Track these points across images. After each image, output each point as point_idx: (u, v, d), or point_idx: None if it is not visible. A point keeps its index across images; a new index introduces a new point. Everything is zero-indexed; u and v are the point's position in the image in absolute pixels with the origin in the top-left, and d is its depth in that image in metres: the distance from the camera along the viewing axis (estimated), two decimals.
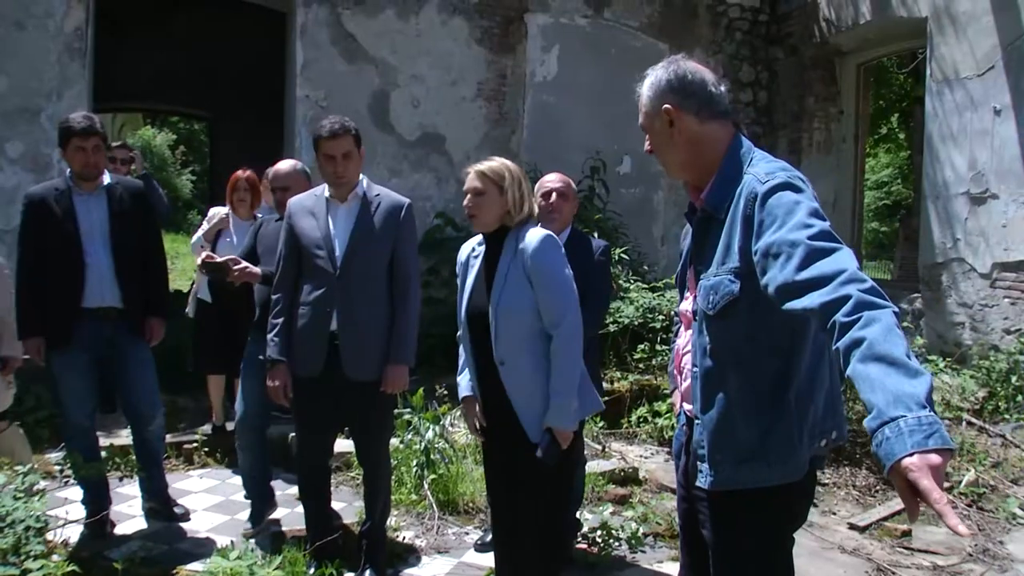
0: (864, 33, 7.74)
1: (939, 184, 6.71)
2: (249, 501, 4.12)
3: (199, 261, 3.80)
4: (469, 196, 2.82)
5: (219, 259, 3.67)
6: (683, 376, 2.08)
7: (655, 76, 2.01)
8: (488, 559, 3.64)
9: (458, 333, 2.95)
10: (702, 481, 1.96)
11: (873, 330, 1.41)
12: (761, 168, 1.86)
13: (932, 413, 1.31)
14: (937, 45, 6.69)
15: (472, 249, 2.94)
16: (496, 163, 2.84)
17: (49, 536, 3.19)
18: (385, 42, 7.23)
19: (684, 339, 2.09)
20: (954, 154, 6.58)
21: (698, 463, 1.96)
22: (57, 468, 4.33)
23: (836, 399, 1.96)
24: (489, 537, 3.61)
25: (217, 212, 5.26)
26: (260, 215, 4.83)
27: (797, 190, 1.76)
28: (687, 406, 2.07)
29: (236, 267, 3.63)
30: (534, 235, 2.74)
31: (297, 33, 6.99)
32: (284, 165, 4.05)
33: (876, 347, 1.39)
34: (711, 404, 1.91)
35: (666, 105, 1.96)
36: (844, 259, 1.56)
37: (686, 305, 2.08)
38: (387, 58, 7.24)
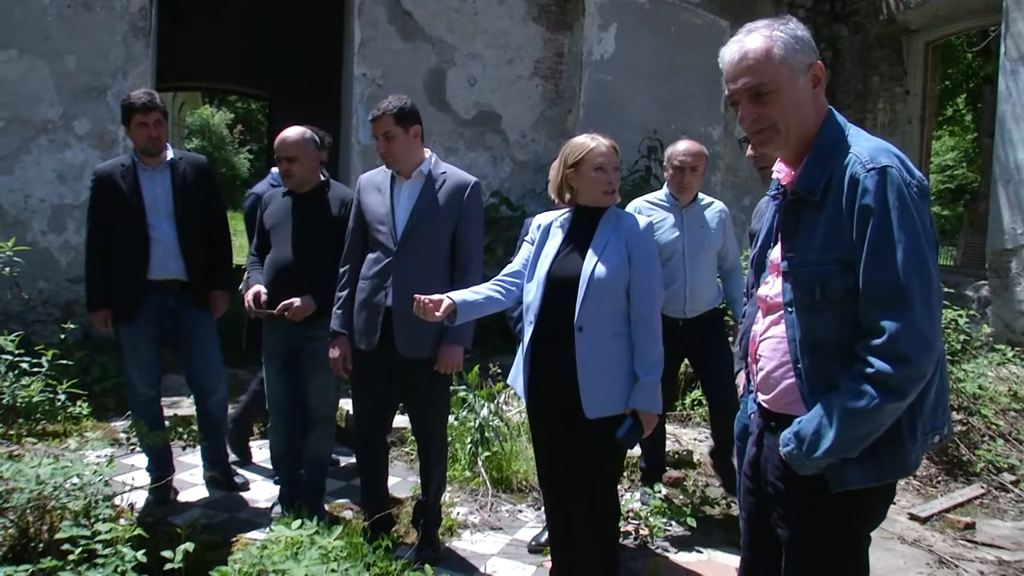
0: (934, 10, 7.47)
1: (1011, 167, 6.46)
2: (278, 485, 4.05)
3: (249, 307, 3.71)
4: (612, 171, 2.82)
5: (270, 311, 3.61)
6: (758, 365, 1.97)
7: (792, 28, 1.83)
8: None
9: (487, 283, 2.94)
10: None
11: (855, 403, 1.72)
12: (864, 149, 1.76)
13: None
14: (1014, 20, 6.41)
15: (556, 219, 2.93)
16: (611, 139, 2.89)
17: (116, 501, 3.30)
18: (442, 20, 7.21)
19: (762, 325, 1.98)
20: None
21: (790, 460, 1.83)
22: (123, 436, 4.46)
23: (944, 393, 1.85)
24: (544, 538, 3.56)
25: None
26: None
27: (899, 185, 1.69)
28: (761, 396, 1.97)
29: (287, 313, 3.58)
30: (641, 219, 2.86)
31: (355, 12, 7.01)
32: (291, 133, 3.73)
33: (846, 410, 1.73)
34: (818, 401, 1.80)
35: (819, 61, 1.84)
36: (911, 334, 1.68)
37: (765, 290, 1.97)
38: (444, 36, 7.22)
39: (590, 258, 2.75)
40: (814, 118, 1.85)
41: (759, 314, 2.02)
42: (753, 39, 1.83)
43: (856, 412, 1.70)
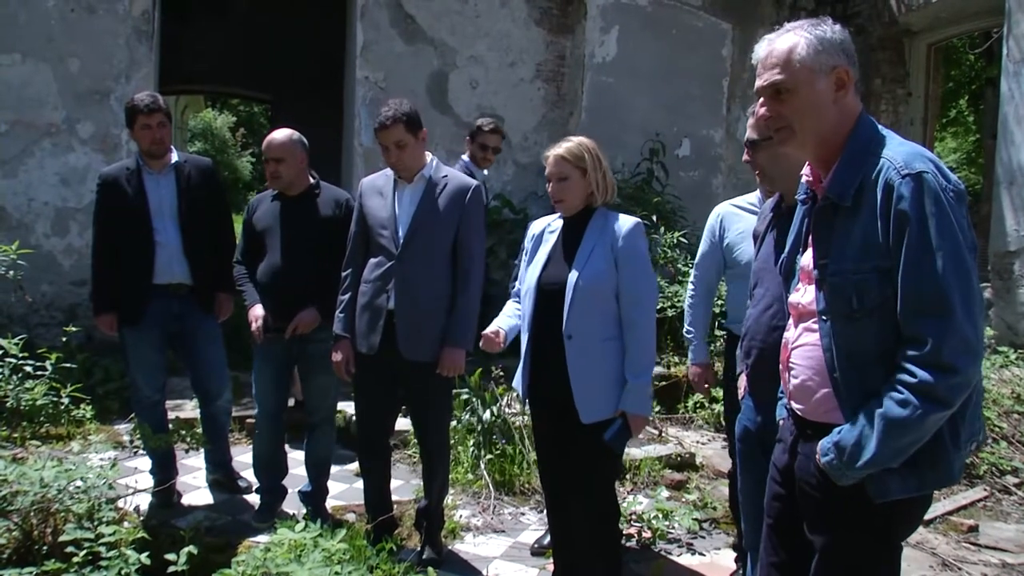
0: (936, 12, 7.46)
1: (1013, 169, 6.45)
2: (259, 495, 4.01)
3: (258, 331, 3.71)
4: (552, 183, 2.80)
5: (279, 333, 3.65)
6: (791, 373, 1.92)
7: (821, 31, 1.84)
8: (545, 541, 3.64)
9: (509, 302, 2.98)
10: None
11: (899, 416, 1.68)
12: (897, 153, 1.73)
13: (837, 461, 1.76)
14: (1017, 22, 6.41)
15: (548, 224, 2.94)
16: (573, 144, 2.82)
17: (120, 504, 3.30)
18: (444, 23, 7.22)
19: (794, 333, 1.93)
20: None
21: (830, 471, 1.80)
22: (127, 439, 4.47)
23: (979, 399, 1.83)
24: (547, 540, 3.56)
25: None
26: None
27: (936, 191, 1.67)
28: (795, 404, 1.93)
29: (296, 332, 3.62)
30: (627, 220, 2.80)
31: (357, 15, 7.02)
32: (279, 135, 3.72)
33: (889, 421, 1.69)
34: (857, 412, 1.76)
35: (844, 66, 1.83)
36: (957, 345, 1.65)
37: (797, 297, 1.93)
38: (446, 39, 7.23)
39: (575, 266, 2.77)
40: (835, 121, 1.83)
41: (790, 321, 1.97)
42: (783, 38, 1.85)
43: (900, 423, 1.68)
